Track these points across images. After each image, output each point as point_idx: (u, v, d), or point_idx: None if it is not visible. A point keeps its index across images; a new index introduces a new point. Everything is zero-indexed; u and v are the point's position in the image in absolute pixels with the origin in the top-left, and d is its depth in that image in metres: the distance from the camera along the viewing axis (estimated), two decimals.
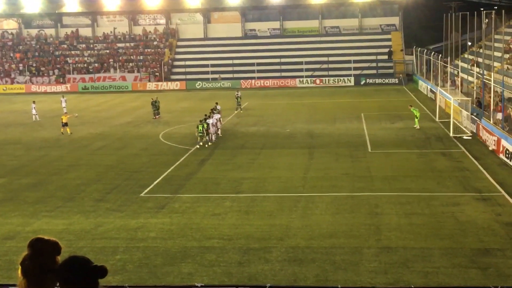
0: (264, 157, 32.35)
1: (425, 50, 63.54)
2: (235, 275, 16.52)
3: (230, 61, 74.78)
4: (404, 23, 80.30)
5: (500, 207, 22.08)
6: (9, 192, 26.50)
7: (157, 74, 75.84)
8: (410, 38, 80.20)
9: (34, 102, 50.28)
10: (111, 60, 78.87)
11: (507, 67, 46.10)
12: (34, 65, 79.34)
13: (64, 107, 52.06)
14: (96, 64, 78.28)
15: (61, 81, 75.98)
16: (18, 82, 76.88)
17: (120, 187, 26.68)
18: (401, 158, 31.26)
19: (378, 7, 78.89)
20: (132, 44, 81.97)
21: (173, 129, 42.44)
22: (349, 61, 72.42)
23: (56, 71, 77.98)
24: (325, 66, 72.85)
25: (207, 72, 74.47)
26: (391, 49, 75.29)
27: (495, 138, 31.42)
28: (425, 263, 16.97)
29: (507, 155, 28.99)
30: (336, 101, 56.39)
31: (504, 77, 37.24)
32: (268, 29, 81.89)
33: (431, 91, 55.16)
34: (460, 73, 50.25)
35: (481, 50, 50.24)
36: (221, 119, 40.04)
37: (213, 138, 36.66)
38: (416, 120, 39.73)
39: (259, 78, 72.46)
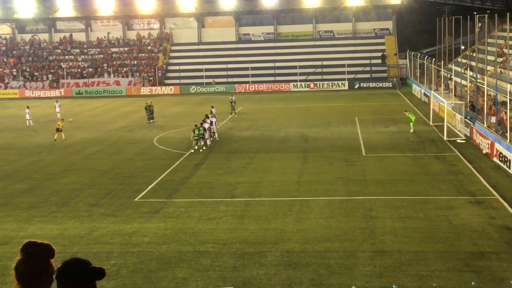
0: (258, 161, 32.35)
1: (419, 54, 63.71)
2: (230, 279, 16.50)
3: (224, 66, 74.81)
4: (398, 27, 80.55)
5: (494, 211, 22.13)
6: (2, 197, 26.41)
7: (151, 78, 75.81)
8: (404, 42, 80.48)
9: (28, 107, 50.19)
10: (105, 65, 78.78)
11: (500, 71, 46.30)
12: (28, 70, 79.19)
13: (58, 112, 51.98)
14: (90, 69, 78.17)
15: (55, 86, 75.85)
16: (11, 87, 76.69)
17: (114, 192, 26.63)
18: (395, 161, 31.32)
19: (372, 11, 79.09)
20: (126, 48, 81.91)
21: (168, 134, 42.41)
22: (343, 65, 72.57)
23: (50, 76, 77.84)
24: (319, 70, 73.01)
25: (201, 77, 74.49)
26: (385, 53, 75.50)
27: (489, 142, 31.53)
28: (420, 266, 17.00)
29: (500, 159, 29.09)
30: (330, 105, 56.47)
31: (497, 80, 37.39)
32: (262, 33, 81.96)
33: (425, 95, 55.32)
34: (453, 77, 50.39)
35: (474, 54, 50.46)
36: (216, 123, 40.06)
37: (208, 142, 36.65)
38: (411, 124, 39.81)
39: (253, 82, 72.50)
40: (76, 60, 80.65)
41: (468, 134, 36.45)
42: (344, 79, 71.27)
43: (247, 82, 72.58)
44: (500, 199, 23.59)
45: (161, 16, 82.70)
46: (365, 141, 37.05)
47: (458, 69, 54.73)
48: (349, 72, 72.33)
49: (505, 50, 49.15)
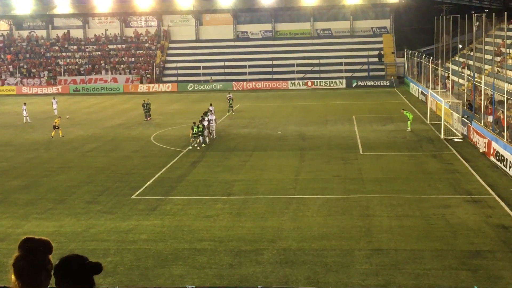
0: (255, 159, 32.36)
1: (416, 53, 63.75)
2: (227, 277, 16.51)
3: (222, 63, 74.71)
4: (396, 25, 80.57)
5: (490, 209, 22.18)
6: None
7: (149, 76, 75.73)
8: (402, 41, 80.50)
9: (25, 103, 50.08)
10: (102, 61, 78.68)
11: (498, 70, 46.33)
12: (25, 66, 79.05)
13: (55, 109, 51.90)
14: (88, 66, 78.07)
15: (52, 82, 75.75)
16: (9, 84, 76.56)
17: (111, 189, 26.61)
18: (392, 160, 31.35)
19: (370, 9, 79.13)
20: (123, 46, 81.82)
21: (165, 131, 42.38)
22: (340, 64, 72.56)
23: (47, 72, 77.74)
24: (316, 68, 73.00)
25: (198, 74, 74.43)
26: (382, 51, 75.52)
27: (486, 141, 31.58)
28: (416, 265, 17.03)
29: (497, 157, 29.14)
30: (328, 103, 56.48)
31: (495, 79, 37.41)
32: (260, 31, 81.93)
33: (422, 93, 55.37)
34: (451, 76, 50.43)
35: (471, 53, 50.44)
36: (216, 120, 40.12)
37: (207, 140, 36.65)
38: (408, 122, 39.84)
39: (250, 80, 72.45)
40: (73, 57, 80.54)
41: (465, 133, 36.50)
42: (341, 77, 71.30)
43: (245, 80, 72.56)
44: (497, 198, 23.63)
45: (159, 13, 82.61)
46: (362, 140, 37.07)
47: (456, 68, 54.78)
48: (347, 71, 72.35)
49: (503, 49, 49.20)
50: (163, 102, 59.72)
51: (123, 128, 44.51)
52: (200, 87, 72.28)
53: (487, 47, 46.90)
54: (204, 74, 74.18)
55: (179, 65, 75.82)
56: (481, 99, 36.57)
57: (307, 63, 73.80)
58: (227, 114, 49.79)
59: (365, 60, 73.04)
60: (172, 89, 72.31)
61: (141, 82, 74.56)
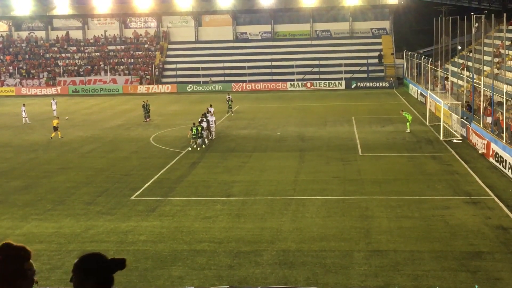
0: (255, 160, 32.36)
1: (416, 54, 63.77)
2: (226, 278, 16.50)
3: (221, 64, 74.73)
4: (395, 27, 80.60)
5: (489, 211, 22.18)
6: None
7: (148, 77, 75.73)
8: (401, 42, 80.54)
9: (24, 104, 50.08)
10: (101, 63, 78.66)
11: (497, 71, 46.37)
12: (25, 67, 79.02)
13: (54, 110, 51.87)
14: (87, 67, 78.05)
15: (51, 83, 75.71)
16: (8, 85, 76.51)
17: (110, 190, 26.60)
18: (392, 161, 31.35)
19: (369, 11, 79.15)
20: (123, 47, 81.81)
21: (164, 132, 42.38)
22: (340, 65, 72.57)
23: (46, 73, 77.70)
24: (316, 69, 72.99)
25: (198, 75, 74.39)
26: (382, 52, 75.56)
27: (485, 142, 31.58)
28: (415, 266, 17.03)
29: (496, 159, 29.15)
30: (327, 104, 56.49)
31: (494, 81, 37.48)
32: (259, 32, 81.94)
33: (422, 94, 55.38)
34: (450, 77, 50.45)
35: (471, 54, 50.49)
36: (215, 121, 40.14)
37: (206, 141, 36.65)
38: (408, 124, 39.85)
39: (250, 81, 72.44)
40: (72, 58, 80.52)
41: (464, 134, 36.52)
42: (341, 79, 71.30)
43: (244, 81, 72.55)
44: (496, 199, 23.64)
45: (158, 14, 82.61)
46: (361, 141, 37.08)
47: (455, 69, 54.78)
48: (346, 72, 72.36)
49: (502, 51, 49.23)
50: (162, 103, 59.73)
51: (122, 129, 44.51)
52: (199, 88, 72.27)
53: (486, 49, 46.90)
54: (204, 75, 74.14)
55: (179, 66, 75.82)
56: (480, 100, 36.58)
57: (306, 64, 73.79)
58: (227, 115, 49.78)
59: (364, 61, 73.05)
60: (171, 90, 72.30)
61: (141, 83, 74.55)
